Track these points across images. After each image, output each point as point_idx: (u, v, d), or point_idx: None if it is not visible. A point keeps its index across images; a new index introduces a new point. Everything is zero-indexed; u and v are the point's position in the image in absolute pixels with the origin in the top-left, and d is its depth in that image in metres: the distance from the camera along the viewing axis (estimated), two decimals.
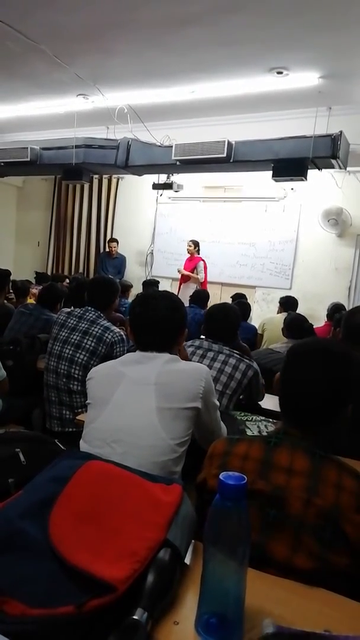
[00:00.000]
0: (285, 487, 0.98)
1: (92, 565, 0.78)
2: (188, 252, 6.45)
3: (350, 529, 0.92)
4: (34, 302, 4.05)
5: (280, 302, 4.67)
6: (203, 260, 6.38)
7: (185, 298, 4.87)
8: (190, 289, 6.26)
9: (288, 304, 4.51)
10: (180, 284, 6.53)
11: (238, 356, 2.09)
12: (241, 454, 1.06)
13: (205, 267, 6.37)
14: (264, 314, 5.76)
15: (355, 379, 1.08)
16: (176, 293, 5.16)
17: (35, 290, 5.07)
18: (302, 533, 0.94)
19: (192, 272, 6.34)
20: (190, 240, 6.45)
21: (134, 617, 0.73)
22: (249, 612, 0.80)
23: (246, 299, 4.99)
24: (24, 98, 5.51)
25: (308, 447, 1.02)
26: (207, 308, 2.80)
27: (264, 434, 1.78)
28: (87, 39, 3.97)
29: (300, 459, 1.01)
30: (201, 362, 2.04)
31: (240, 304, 4.45)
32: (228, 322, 2.22)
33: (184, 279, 6.43)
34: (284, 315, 4.25)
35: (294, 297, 4.68)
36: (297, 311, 4.17)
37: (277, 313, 4.59)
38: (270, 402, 2.27)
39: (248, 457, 1.05)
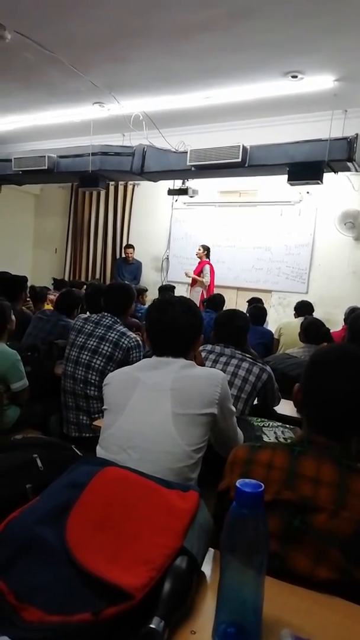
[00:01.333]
0: (313, 498, 0.95)
1: (109, 573, 0.78)
2: (197, 257, 6.50)
3: None
4: (51, 308, 4.09)
5: (295, 308, 4.64)
6: (210, 264, 6.42)
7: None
8: (196, 292, 6.31)
9: (303, 309, 4.47)
10: (190, 288, 6.57)
11: (251, 360, 2.08)
12: (265, 462, 1.04)
13: (211, 271, 6.39)
14: (280, 318, 5.71)
15: None
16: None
17: (52, 296, 5.13)
18: (327, 546, 0.91)
19: (199, 276, 6.37)
20: (201, 245, 6.51)
21: (151, 625, 0.72)
22: (267, 622, 0.78)
23: (262, 304, 4.96)
24: (41, 107, 5.61)
25: (335, 457, 0.99)
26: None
27: (281, 439, 1.76)
28: (102, 47, 4.02)
29: (327, 468, 0.98)
30: (214, 367, 2.03)
31: (256, 309, 4.44)
32: (236, 327, 2.22)
33: (193, 282, 6.50)
34: (300, 319, 4.20)
35: (309, 302, 4.64)
36: (314, 315, 4.13)
37: (295, 318, 4.55)
38: (286, 407, 2.25)
39: (272, 465, 1.02)
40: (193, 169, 4.54)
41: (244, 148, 4.22)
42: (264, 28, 3.52)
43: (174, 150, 4.77)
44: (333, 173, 4.23)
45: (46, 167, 5.21)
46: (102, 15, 3.52)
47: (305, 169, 4.07)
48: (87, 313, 2.78)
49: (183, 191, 5.49)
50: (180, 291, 6.53)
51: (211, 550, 0.96)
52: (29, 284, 4.21)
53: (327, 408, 1.04)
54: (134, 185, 7.51)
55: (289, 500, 0.96)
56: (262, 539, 0.76)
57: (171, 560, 0.83)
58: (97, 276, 7.92)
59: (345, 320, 4.50)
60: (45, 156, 5.22)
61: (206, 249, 6.48)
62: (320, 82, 4.32)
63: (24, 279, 3.77)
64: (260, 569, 0.76)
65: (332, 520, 0.92)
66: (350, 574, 0.89)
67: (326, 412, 1.04)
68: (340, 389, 1.03)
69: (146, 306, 5.30)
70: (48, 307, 4.62)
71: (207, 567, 0.93)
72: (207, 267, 6.39)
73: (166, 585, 0.79)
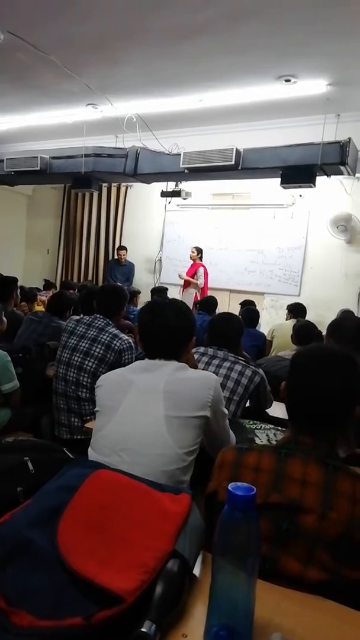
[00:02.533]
0: (300, 499, 0.96)
1: (101, 576, 0.78)
2: (191, 259, 6.51)
3: None
4: (43, 309, 4.07)
5: (288, 309, 4.66)
6: (203, 266, 6.43)
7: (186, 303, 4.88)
8: (189, 294, 6.30)
9: (296, 310, 4.50)
10: (182, 290, 6.57)
11: (244, 362, 2.09)
12: (252, 466, 1.04)
13: (205, 273, 6.41)
14: (273, 321, 5.73)
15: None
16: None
17: (44, 297, 5.11)
18: (316, 547, 0.92)
19: (192, 278, 6.37)
20: (194, 247, 6.51)
21: (142, 629, 0.72)
22: (259, 625, 0.78)
23: (255, 306, 4.98)
24: (34, 108, 5.59)
25: (321, 458, 1.01)
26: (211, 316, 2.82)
27: (273, 442, 1.76)
28: (96, 49, 4.02)
29: (314, 469, 0.99)
30: (207, 369, 2.04)
31: (249, 311, 4.45)
32: (231, 330, 2.23)
33: (186, 284, 6.48)
34: (293, 321, 4.23)
35: (302, 304, 4.67)
36: (306, 318, 4.15)
37: (287, 320, 4.57)
38: (278, 409, 2.25)
39: (260, 468, 1.03)
40: (186, 171, 4.55)
41: (237, 151, 4.24)
42: (258, 32, 3.54)
43: (168, 152, 4.77)
44: (326, 176, 4.26)
45: (39, 168, 5.19)
46: (96, 16, 3.51)
47: (298, 172, 4.09)
48: (81, 315, 2.77)
49: (176, 193, 5.49)
50: (173, 293, 6.53)
51: (203, 553, 0.96)
52: (19, 284, 4.19)
53: (315, 405, 1.05)
54: (126, 187, 7.50)
55: (277, 503, 0.97)
56: (255, 542, 0.76)
57: (163, 563, 0.83)
58: (90, 277, 7.90)
59: None
60: (37, 157, 5.20)
61: (199, 251, 6.49)
62: (313, 86, 4.34)
63: (14, 280, 3.75)
64: (252, 572, 0.76)
65: (321, 522, 0.93)
66: (340, 573, 0.90)
67: (314, 409, 1.05)
68: (326, 386, 1.05)
69: (139, 308, 5.30)
70: (40, 308, 4.60)
71: (198, 570, 0.93)
72: (200, 269, 6.39)
73: (158, 588, 0.79)
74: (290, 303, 4.80)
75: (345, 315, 2.17)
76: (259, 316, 4.64)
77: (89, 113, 5.45)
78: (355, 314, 4.71)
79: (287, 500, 0.96)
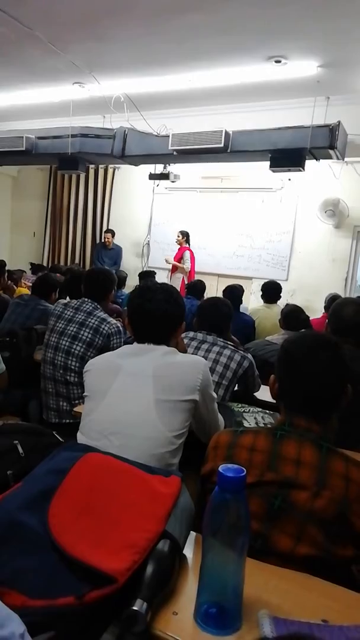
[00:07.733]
0: (295, 478, 0.99)
1: (92, 557, 0.79)
2: (177, 243, 6.48)
3: (358, 521, 0.94)
4: (29, 292, 4.03)
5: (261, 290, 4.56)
6: (190, 250, 6.41)
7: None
8: (177, 279, 6.29)
9: (267, 294, 4.44)
10: (170, 275, 6.55)
11: (232, 347, 2.11)
12: (247, 446, 1.07)
13: (192, 257, 6.40)
14: None
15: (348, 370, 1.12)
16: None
17: (29, 283, 5.05)
18: (307, 524, 0.95)
19: (179, 262, 6.35)
20: (179, 231, 6.49)
21: (134, 607, 0.73)
22: (248, 602, 0.80)
23: (238, 291, 4.90)
24: (18, 86, 5.44)
25: (315, 439, 1.04)
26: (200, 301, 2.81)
27: (261, 425, 1.78)
28: (83, 25, 3.90)
29: (308, 450, 1.02)
30: (196, 354, 2.05)
31: (230, 292, 4.34)
32: (219, 315, 2.23)
33: (173, 269, 6.48)
34: (266, 306, 4.27)
35: (274, 282, 4.53)
36: (294, 302, 4.16)
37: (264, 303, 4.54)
38: (266, 393, 2.27)
39: (255, 448, 1.06)
40: (175, 153, 4.49)
41: (227, 133, 4.19)
42: (248, 11, 3.47)
43: (156, 133, 4.70)
44: (315, 160, 4.24)
45: (24, 148, 5.08)
46: None
47: (288, 155, 4.07)
48: (67, 298, 2.75)
49: (164, 176, 5.42)
50: (161, 277, 6.50)
51: (193, 534, 0.98)
52: (7, 269, 4.13)
53: (311, 390, 1.08)
54: (114, 169, 7.39)
55: (272, 481, 0.99)
56: (244, 522, 0.77)
57: (154, 544, 0.84)
58: (77, 261, 7.82)
59: (325, 308, 4.56)
60: (23, 137, 5.08)
61: (185, 235, 6.46)
62: (303, 67, 4.29)
63: (2, 264, 3.70)
64: (241, 551, 0.77)
65: (314, 499, 0.96)
66: (329, 550, 0.93)
67: (305, 395, 1.08)
68: (317, 373, 1.08)
69: (126, 291, 5.27)
70: (25, 291, 4.55)
71: (189, 550, 0.95)
72: (187, 253, 6.38)
73: (149, 568, 0.80)
74: (262, 285, 4.57)
75: (345, 300, 2.15)
76: (242, 294, 4.50)
77: (76, 92, 5.32)
78: None
79: (282, 478, 0.99)
